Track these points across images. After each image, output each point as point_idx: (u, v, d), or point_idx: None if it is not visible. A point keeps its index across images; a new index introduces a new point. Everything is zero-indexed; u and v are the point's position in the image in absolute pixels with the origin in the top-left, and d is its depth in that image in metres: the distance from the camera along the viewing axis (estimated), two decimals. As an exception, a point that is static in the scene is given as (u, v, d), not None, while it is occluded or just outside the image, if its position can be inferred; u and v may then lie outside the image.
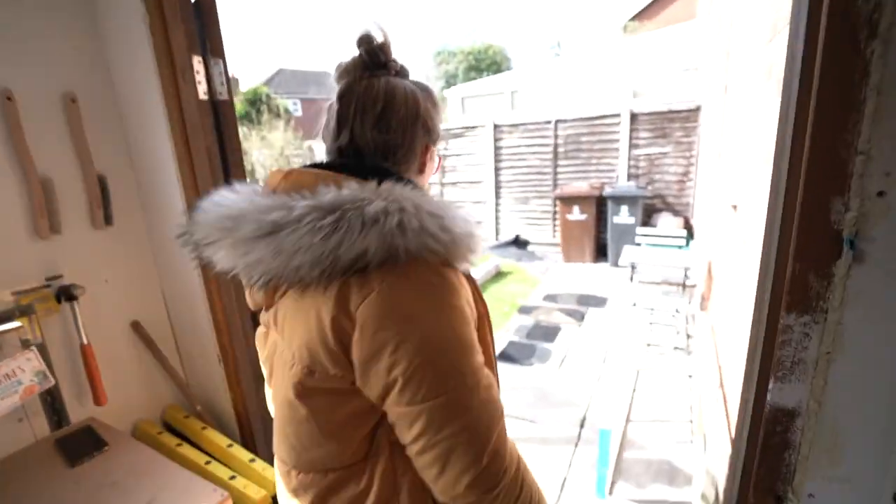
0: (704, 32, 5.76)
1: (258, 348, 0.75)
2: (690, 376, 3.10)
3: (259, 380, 1.40)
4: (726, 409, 2.13)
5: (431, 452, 0.56)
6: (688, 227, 5.81)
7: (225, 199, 0.62)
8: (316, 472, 0.64)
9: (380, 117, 0.66)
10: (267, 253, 0.54)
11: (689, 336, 3.64)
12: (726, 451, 1.89)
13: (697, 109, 5.68)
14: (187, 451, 1.19)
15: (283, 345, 0.64)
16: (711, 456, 2.02)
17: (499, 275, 5.87)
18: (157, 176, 1.28)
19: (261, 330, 0.74)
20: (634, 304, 3.32)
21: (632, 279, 3.30)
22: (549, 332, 3.98)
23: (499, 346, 3.78)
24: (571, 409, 2.83)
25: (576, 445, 2.51)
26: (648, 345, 3.47)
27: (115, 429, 1.21)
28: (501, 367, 3.44)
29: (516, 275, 5.88)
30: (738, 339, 1.82)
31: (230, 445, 1.21)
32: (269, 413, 0.82)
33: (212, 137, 1.15)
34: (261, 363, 0.75)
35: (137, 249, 1.36)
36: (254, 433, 1.32)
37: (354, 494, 0.63)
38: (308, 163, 0.70)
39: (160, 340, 1.41)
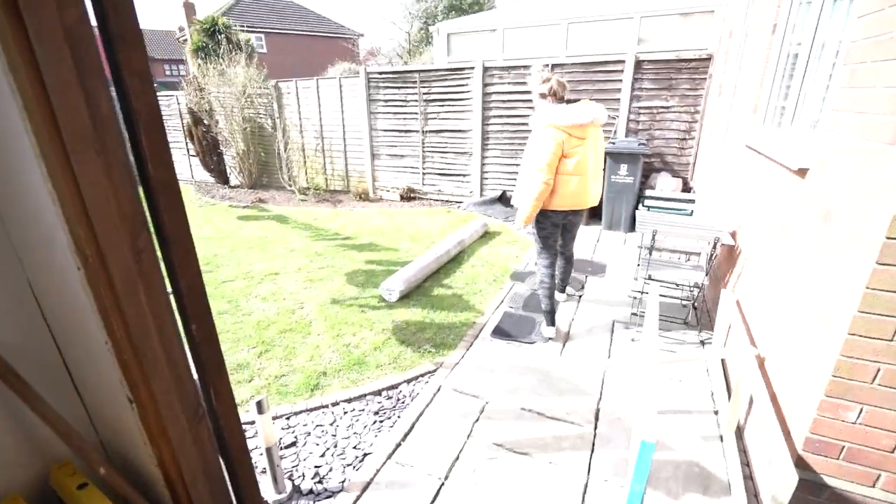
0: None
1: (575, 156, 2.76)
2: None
3: (197, 423, 0.92)
4: (777, 408, 1.83)
5: None
6: (686, 189, 5.49)
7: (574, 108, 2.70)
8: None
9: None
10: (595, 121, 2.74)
11: (695, 307, 3.36)
12: (788, 466, 1.59)
13: (709, 59, 5.18)
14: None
15: (594, 149, 2.82)
16: (769, 471, 1.72)
17: (486, 235, 5.43)
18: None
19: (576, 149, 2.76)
20: (650, 278, 2.96)
21: (651, 250, 2.92)
22: (548, 303, 3.62)
23: (493, 319, 3.40)
24: (582, 399, 2.51)
25: (593, 445, 2.19)
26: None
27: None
28: (498, 344, 3.07)
29: (505, 235, 5.45)
30: (807, 322, 1.45)
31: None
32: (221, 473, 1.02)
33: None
34: (577, 161, 2.76)
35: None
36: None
37: None
38: (564, 97, 2.82)
39: (46, 371, 0.89)
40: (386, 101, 7.17)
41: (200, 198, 8.12)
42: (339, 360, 2.96)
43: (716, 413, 2.41)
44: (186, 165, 9.47)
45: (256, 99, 8.05)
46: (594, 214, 5.77)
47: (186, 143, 8.79)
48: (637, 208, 5.13)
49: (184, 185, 9.40)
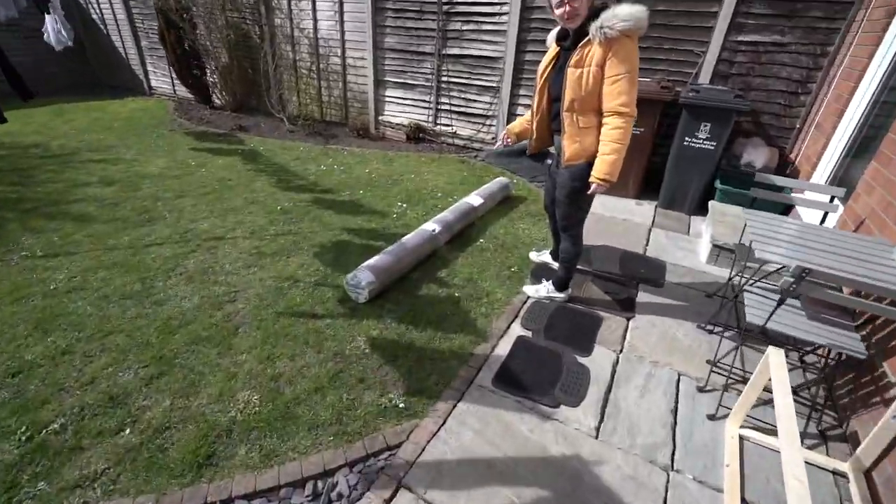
0: None
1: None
2: (837, 474, 1.73)
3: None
4: None
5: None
6: (782, 164, 4.05)
7: None
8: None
9: None
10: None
11: (828, 386, 2.20)
12: None
13: (861, -27, 3.51)
14: None
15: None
16: None
17: (505, 201, 4.19)
18: None
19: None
20: (765, 333, 1.78)
21: (784, 297, 1.70)
22: (583, 329, 2.49)
23: (500, 350, 2.30)
24: (636, 554, 1.46)
25: None
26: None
27: None
28: (502, 401, 2.00)
29: (531, 203, 4.20)
30: None
31: None
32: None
33: None
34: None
35: None
36: None
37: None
38: None
39: None
40: (396, 10, 5.62)
41: (174, 119, 6.89)
42: (259, 405, 1.95)
43: None
44: (168, 78, 8.10)
45: (240, -1, 6.51)
46: (648, 187, 4.41)
47: (167, 53, 7.37)
48: (715, 184, 3.79)
49: (164, 101, 8.14)
